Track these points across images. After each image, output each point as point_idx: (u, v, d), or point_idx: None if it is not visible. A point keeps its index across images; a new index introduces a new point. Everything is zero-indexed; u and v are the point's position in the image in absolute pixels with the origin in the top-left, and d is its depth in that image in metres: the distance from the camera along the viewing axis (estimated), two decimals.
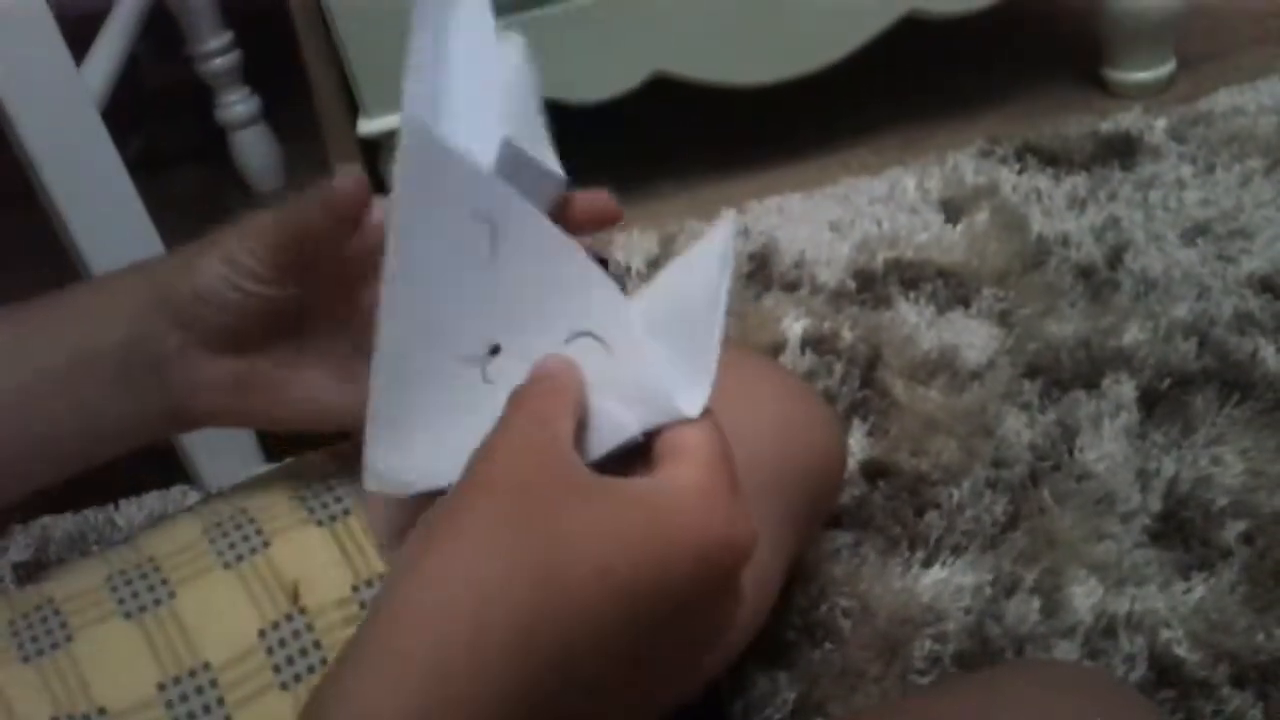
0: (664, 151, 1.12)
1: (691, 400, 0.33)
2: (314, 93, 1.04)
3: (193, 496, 0.80)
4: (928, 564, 0.67)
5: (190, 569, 0.46)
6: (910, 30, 1.00)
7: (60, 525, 0.77)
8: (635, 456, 0.34)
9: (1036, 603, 0.64)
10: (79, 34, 0.87)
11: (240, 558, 0.47)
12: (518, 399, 0.34)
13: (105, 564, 0.47)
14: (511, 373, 0.35)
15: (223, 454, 0.78)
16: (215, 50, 1.14)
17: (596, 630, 0.29)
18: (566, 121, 1.18)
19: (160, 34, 1.17)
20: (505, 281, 0.35)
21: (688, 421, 0.34)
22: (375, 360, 0.36)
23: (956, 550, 0.68)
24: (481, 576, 0.29)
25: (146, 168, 1.31)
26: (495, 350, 0.37)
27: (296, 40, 1.05)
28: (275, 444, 0.78)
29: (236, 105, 1.17)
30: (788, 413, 0.60)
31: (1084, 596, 0.64)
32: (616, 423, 0.34)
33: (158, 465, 0.82)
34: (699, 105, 1.05)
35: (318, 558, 0.47)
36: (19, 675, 0.43)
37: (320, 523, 0.48)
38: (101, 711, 0.43)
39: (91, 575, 0.47)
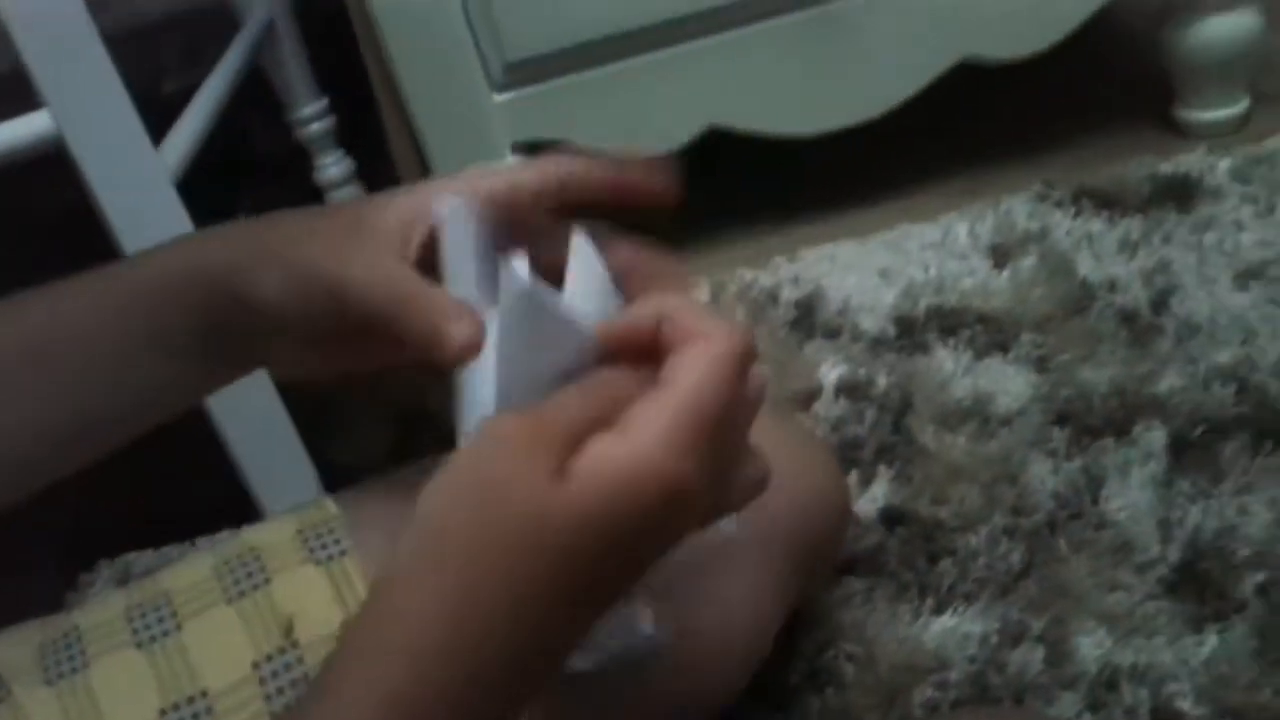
0: (726, 201, 1.15)
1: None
2: (394, 155, 1.11)
3: None
4: (938, 611, 0.68)
5: (198, 604, 0.51)
6: (978, 73, 1.01)
7: (142, 561, 0.84)
8: None
9: (1041, 652, 0.64)
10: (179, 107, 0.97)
11: (243, 594, 0.52)
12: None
13: (126, 597, 0.53)
14: None
15: (288, 495, 0.84)
16: (311, 116, 1.22)
17: (550, 567, 0.34)
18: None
19: (271, 103, 1.27)
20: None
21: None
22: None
23: (968, 598, 0.68)
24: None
25: None
26: None
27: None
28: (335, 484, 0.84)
29: (331, 167, 1.25)
30: (785, 458, 0.62)
31: (1091, 647, 0.64)
32: None
33: (234, 507, 0.88)
34: (762, 152, 1.07)
35: (313, 595, 0.51)
36: (40, 697, 0.48)
37: (318, 562, 0.52)
38: None
39: (113, 607, 0.52)
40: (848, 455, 0.79)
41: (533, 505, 0.33)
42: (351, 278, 0.43)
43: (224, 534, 0.81)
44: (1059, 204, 0.97)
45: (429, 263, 0.44)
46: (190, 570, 0.53)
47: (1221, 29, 1.00)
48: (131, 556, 0.85)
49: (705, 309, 0.39)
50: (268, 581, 0.52)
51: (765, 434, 0.63)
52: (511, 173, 0.46)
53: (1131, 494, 0.71)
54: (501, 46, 0.97)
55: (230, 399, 0.74)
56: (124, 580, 0.82)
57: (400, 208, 0.45)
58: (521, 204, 0.45)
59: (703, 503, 0.36)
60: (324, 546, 0.53)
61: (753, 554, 0.58)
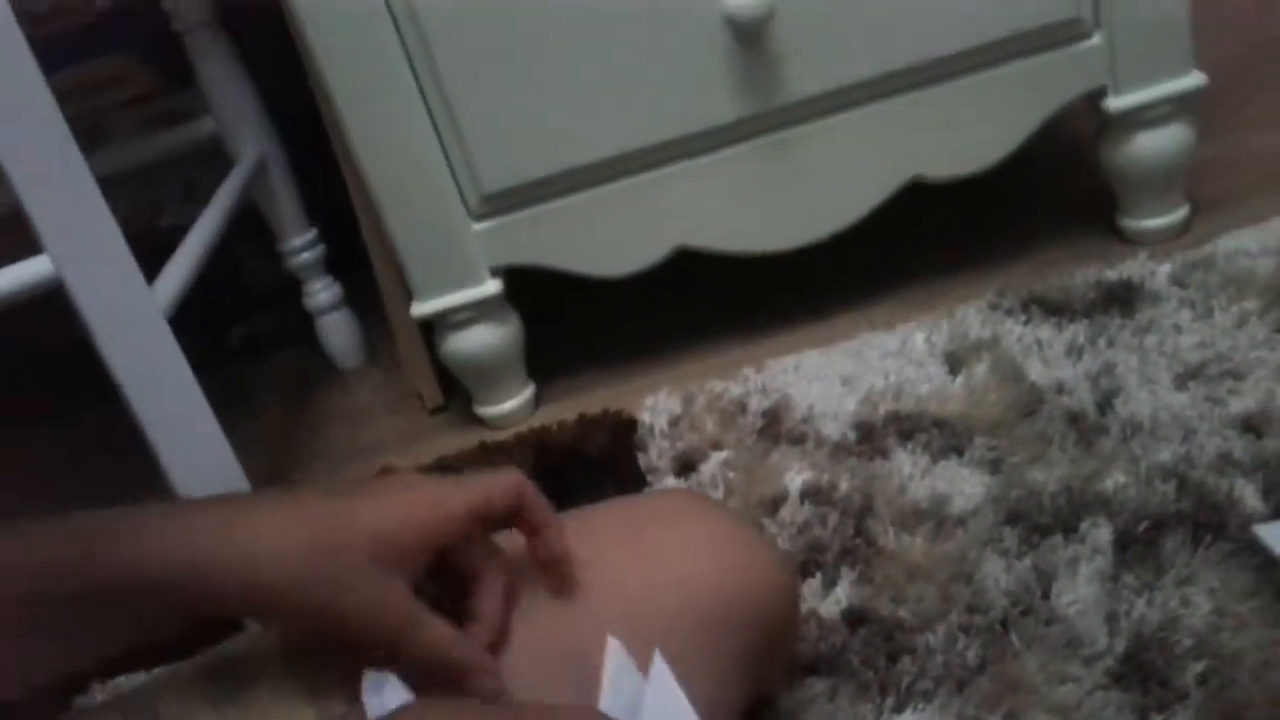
0: (696, 315, 1.20)
1: None
2: (379, 281, 1.16)
3: None
4: (898, 709, 0.70)
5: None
6: (932, 189, 1.07)
7: (132, 681, 0.87)
8: None
9: None
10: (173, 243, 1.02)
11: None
12: None
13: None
14: None
15: None
16: (301, 246, 1.28)
17: None
18: (596, 290, 1.27)
19: (263, 235, 1.33)
20: None
21: None
22: None
23: (926, 695, 0.71)
24: None
25: (251, 353, 1.46)
26: None
27: None
28: None
29: (321, 293, 1.31)
30: (731, 557, 0.65)
31: None
32: None
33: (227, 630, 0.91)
34: (731, 269, 1.13)
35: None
36: None
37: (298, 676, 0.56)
38: None
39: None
40: (812, 558, 0.82)
41: None
42: (351, 617, 0.50)
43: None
44: (1009, 312, 1.02)
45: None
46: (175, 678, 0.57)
47: (1154, 143, 1.06)
48: (123, 679, 0.87)
49: None
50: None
51: (711, 530, 0.66)
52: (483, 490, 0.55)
53: (1080, 589, 0.74)
54: (478, 179, 1.03)
55: None
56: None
57: (409, 531, 0.52)
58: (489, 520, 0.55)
59: None
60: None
61: (705, 646, 0.60)
